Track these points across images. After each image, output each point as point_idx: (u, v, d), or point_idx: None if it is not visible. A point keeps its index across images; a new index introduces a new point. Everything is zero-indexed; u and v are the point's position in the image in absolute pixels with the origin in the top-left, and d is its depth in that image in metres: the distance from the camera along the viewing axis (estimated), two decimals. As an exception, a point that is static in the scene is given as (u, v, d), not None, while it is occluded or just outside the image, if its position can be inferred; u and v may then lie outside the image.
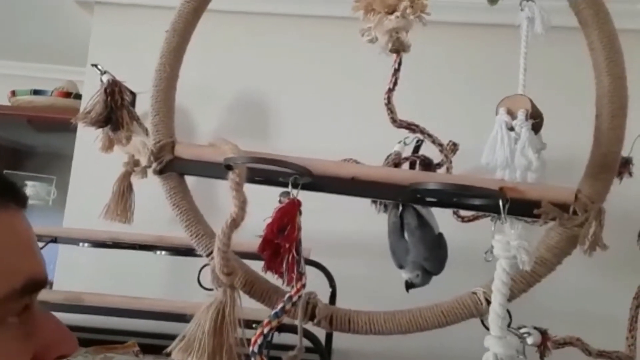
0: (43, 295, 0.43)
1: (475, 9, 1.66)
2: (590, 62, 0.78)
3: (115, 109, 1.13)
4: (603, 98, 0.73)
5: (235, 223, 0.63)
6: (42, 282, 0.41)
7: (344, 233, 1.64)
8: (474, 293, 0.72)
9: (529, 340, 0.75)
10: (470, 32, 1.71)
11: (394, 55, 0.77)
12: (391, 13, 0.73)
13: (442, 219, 1.09)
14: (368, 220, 1.16)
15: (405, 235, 1.06)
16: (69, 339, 0.43)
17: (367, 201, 1.12)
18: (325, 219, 1.38)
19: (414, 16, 0.72)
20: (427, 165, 1.18)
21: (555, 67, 1.56)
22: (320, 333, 1.29)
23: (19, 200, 0.42)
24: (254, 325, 0.92)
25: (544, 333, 0.78)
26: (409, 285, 1.05)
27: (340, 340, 1.47)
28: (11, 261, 0.38)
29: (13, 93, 2.08)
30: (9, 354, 0.38)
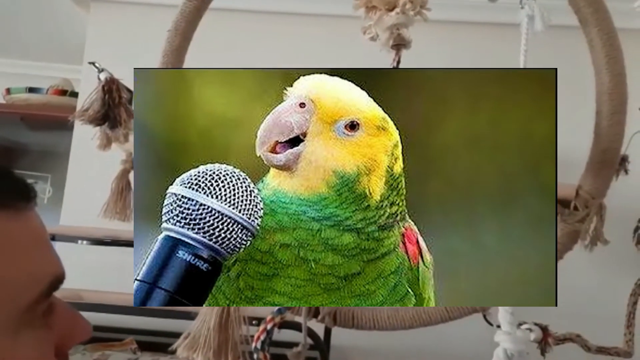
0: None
1: (475, 7, 1.67)
2: (588, 61, 0.79)
3: (113, 107, 1.13)
4: (603, 95, 0.74)
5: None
6: (63, 278, 0.41)
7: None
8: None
9: (531, 336, 0.76)
10: (469, 30, 1.71)
11: (394, 54, 0.77)
12: (391, 10, 0.73)
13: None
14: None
15: None
16: (83, 326, 0.43)
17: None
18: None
19: (414, 12, 0.73)
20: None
21: (554, 65, 1.56)
22: (319, 329, 1.30)
23: (28, 196, 0.41)
24: (254, 322, 0.92)
25: (544, 329, 0.78)
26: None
27: (339, 336, 1.47)
28: (35, 265, 0.38)
29: (8, 91, 2.06)
30: (38, 354, 0.38)
